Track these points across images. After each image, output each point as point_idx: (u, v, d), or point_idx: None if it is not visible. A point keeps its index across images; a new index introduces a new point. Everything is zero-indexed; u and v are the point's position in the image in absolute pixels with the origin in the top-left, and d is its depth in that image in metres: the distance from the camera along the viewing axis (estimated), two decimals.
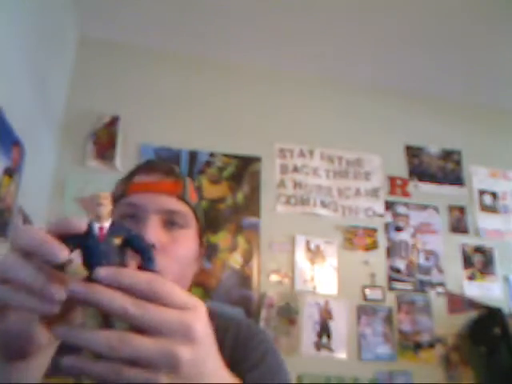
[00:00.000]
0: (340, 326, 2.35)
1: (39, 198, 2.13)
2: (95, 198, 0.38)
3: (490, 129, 2.96)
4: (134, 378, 0.34)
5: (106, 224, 0.39)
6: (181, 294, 0.38)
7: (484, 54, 2.60)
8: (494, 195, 2.84)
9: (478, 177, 2.86)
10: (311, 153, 2.66)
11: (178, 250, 0.68)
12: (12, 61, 1.68)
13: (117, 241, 0.39)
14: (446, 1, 2.26)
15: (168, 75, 2.63)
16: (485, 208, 2.79)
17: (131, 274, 0.37)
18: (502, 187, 2.87)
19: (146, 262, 0.39)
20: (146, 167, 0.75)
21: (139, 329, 0.35)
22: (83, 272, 0.37)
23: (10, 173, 1.68)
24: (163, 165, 0.77)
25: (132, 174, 0.75)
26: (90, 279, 0.36)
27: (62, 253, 0.36)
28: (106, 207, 0.39)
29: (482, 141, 2.91)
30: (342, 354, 2.31)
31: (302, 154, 2.64)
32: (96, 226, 0.39)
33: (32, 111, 1.95)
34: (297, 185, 2.57)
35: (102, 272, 0.36)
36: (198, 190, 0.83)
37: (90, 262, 0.37)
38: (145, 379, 0.34)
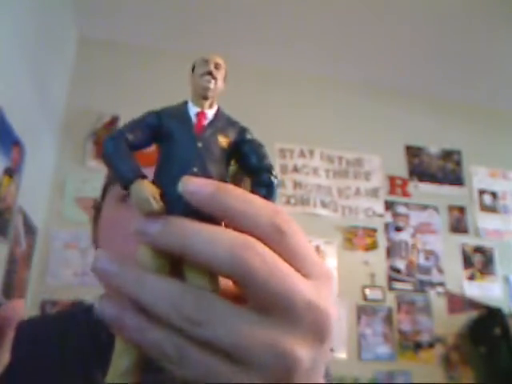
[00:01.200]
0: (340, 326, 2.35)
1: (39, 198, 2.13)
2: (201, 60, 0.27)
3: (490, 129, 2.96)
4: (205, 367, 0.22)
5: (211, 110, 0.27)
6: (315, 254, 0.26)
7: (484, 54, 2.60)
8: (494, 195, 2.84)
9: (478, 177, 2.86)
10: (311, 153, 2.66)
11: None
12: (12, 61, 1.68)
13: (223, 141, 0.26)
14: (446, 1, 2.26)
15: (168, 75, 2.63)
16: (485, 208, 2.79)
17: (246, 196, 0.24)
18: (502, 187, 2.87)
19: (266, 191, 0.26)
20: None
21: (235, 293, 0.24)
22: (156, 194, 0.24)
23: (10, 173, 1.68)
24: None
25: None
26: (168, 204, 0.24)
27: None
28: (219, 77, 0.27)
29: (482, 141, 2.91)
30: (342, 354, 2.31)
31: (302, 154, 2.64)
32: (193, 108, 0.27)
33: (32, 111, 1.95)
34: (297, 185, 2.57)
35: (195, 183, 0.23)
36: None
37: (173, 169, 0.25)
38: (225, 376, 0.22)
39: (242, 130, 0.28)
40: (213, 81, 0.27)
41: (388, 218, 2.63)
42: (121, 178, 0.25)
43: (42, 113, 2.09)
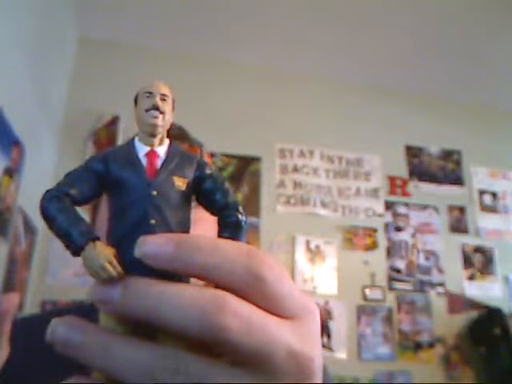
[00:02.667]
0: (340, 326, 2.35)
1: (39, 198, 2.13)
2: (144, 92, 0.24)
3: (490, 129, 2.96)
4: None
5: (162, 147, 0.24)
6: (295, 288, 0.24)
7: (484, 54, 2.60)
8: (494, 195, 2.84)
9: (478, 177, 2.86)
10: (311, 153, 2.66)
11: (197, 229, 0.60)
12: (12, 61, 1.68)
13: (180, 183, 0.23)
14: (446, 1, 2.26)
15: (168, 75, 2.62)
16: (485, 208, 2.79)
17: (214, 245, 0.22)
18: (502, 187, 2.87)
19: (234, 231, 0.24)
20: None
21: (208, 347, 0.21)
22: (111, 258, 0.21)
23: (10, 173, 1.68)
24: (174, 126, 0.65)
25: None
26: (128, 265, 0.22)
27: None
28: (167, 110, 0.24)
29: (482, 141, 2.91)
30: (342, 354, 2.31)
31: (302, 154, 2.64)
32: (142, 148, 0.24)
33: (32, 111, 1.95)
34: (297, 185, 2.57)
35: (152, 244, 0.21)
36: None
37: (128, 224, 0.22)
38: None
39: (200, 165, 0.25)
40: (160, 116, 0.24)
41: (388, 218, 2.63)
42: (69, 246, 0.22)
43: (42, 113, 2.09)
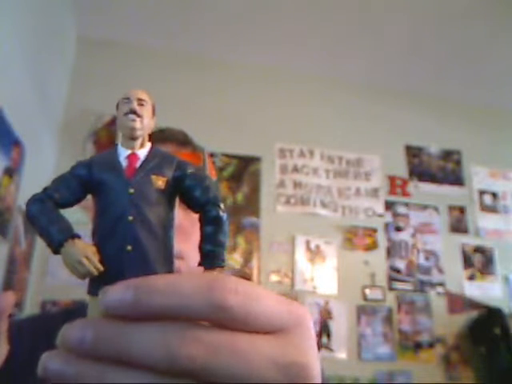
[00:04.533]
0: (340, 326, 2.35)
1: None
2: (123, 98, 0.25)
3: (490, 129, 2.96)
4: None
5: (143, 150, 0.25)
6: (278, 301, 0.24)
7: (484, 54, 2.60)
8: (494, 195, 2.84)
9: (478, 177, 2.86)
10: (311, 153, 2.66)
11: (198, 235, 0.59)
12: (12, 61, 1.68)
13: (159, 181, 0.24)
14: (446, 1, 2.26)
15: (168, 75, 2.63)
16: (485, 208, 2.79)
17: (174, 283, 0.22)
18: (502, 187, 2.87)
19: (215, 226, 0.24)
20: (159, 136, 0.61)
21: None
22: (89, 253, 0.22)
23: (10, 173, 1.68)
24: (178, 132, 0.67)
25: None
26: (108, 260, 0.23)
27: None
28: (145, 114, 0.25)
29: (482, 141, 2.91)
30: (342, 354, 2.31)
31: (302, 154, 2.64)
32: (124, 151, 0.25)
33: (32, 111, 1.95)
34: (297, 185, 2.57)
35: (112, 295, 0.21)
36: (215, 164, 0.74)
37: (107, 222, 0.24)
38: None
39: (181, 165, 0.25)
40: (138, 119, 0.25)
41: (388, 218, 2.63)
42: (49, 243, 0.23)
43: (41, 113, 2.09)
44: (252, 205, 2.48)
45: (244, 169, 2.55)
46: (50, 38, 2.14)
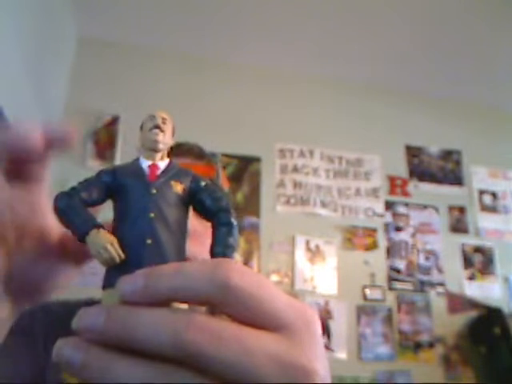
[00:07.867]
0: (340, 326, 2.35)
1: None
2: (148, 116, 0.28)
3: (490, 129, 2.96)
4: None
5: (162, 162, 0.28)
6: (285, 298, 0.24)
7: (484, 54, 2.60)
8: (494, 195, 2.84)
9: (478, 177, 2.86)
10: (311, 153, 2.66)
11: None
12: (12, 61, 1.68)
13: (177, 186, 0.27)
14: (446, 1, 2.26)
15: (168, 75, 2.63)
16: (485, 208, 2.79)
17: (180, 267, 0.23)
18: (502, 187, 2.87)
19: (226, 230, 0.26)
20: (175, 149, 0.67)
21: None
22: (113, 242, 0.24)
23: None
24: (194, 146, 0.71)
25: None
26: (129, 251, 0.24)
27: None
28: (166, 133, 0.28)
29: (482, 141, 2.91)
30: (341, 354, 2.31)
31: (302, 154, 2.64)
32: (145, 162, 0.27)
33: (32, 111, 1.95)
34: (297, 185, 2.57)
35: (126, 282, 0.22)
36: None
37: (130, 218, 0.25)
38: None
39: (196, 179, 0.28)
40: (161, 133, 0.28)
41: (388, 217, 2.63)
42: (76, 231, 0.25)
43: (41, 113, 2.09)
44: (252, 205, 2.48)
45: (244, 169, 2.55)
46: (50, 38, 2.14)
